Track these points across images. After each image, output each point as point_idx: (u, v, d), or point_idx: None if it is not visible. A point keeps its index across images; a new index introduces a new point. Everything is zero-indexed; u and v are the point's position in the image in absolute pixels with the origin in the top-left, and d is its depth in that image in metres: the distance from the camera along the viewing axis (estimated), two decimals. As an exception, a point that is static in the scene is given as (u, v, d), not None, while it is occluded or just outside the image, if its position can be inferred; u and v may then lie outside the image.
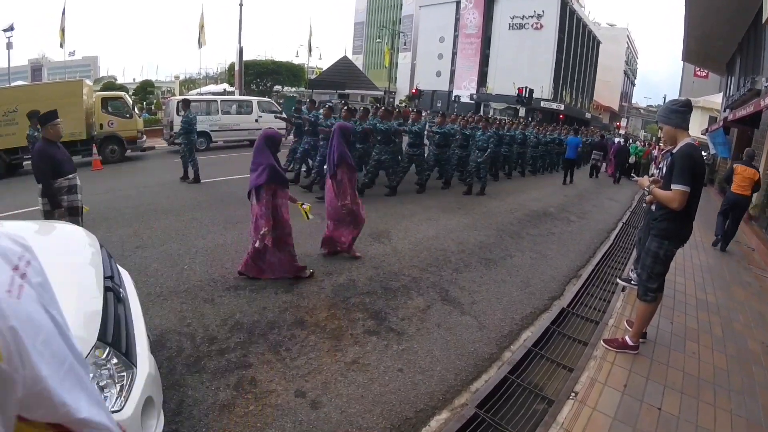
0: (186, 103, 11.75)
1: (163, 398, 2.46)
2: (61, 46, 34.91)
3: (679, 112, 3.62)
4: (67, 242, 2.88)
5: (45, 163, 5.05)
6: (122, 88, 46.49)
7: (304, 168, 11.00)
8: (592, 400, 3.29)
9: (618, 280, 5.82)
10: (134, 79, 78.97)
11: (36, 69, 54.40)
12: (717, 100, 23.63)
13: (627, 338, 4.04)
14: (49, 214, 5.11)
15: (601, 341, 4.14)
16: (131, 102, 16.90)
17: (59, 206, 5.19)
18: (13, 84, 19.65)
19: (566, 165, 15.86)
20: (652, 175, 5.61)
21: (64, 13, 33.73)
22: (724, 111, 19.51)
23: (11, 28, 34.08)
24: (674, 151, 3.65)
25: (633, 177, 5.32)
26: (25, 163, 13.86)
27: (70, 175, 5.30)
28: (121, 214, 7.00)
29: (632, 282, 5.39)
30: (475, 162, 11.30)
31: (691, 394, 3.48)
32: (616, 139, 23.35)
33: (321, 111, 10.20)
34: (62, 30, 33.82)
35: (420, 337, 4.15)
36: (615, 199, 13.23)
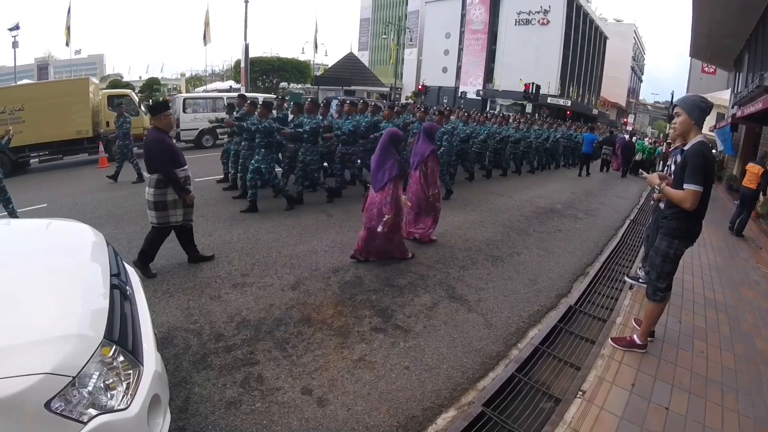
0: (121, 105, 11.28)
1: (170, 395, 2.46)
2: (67, 44, 35.01)
3: (703, 110, 3.54)
4: (74, 240, 2.89)
5: (165, 152, 4.98)
6: (128, 85, 46.88)
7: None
8: (600, 399, 3.27)
9: (626, 278, 5.77)
10: (140, 77, 79.25)
11: (42, 67, 54.79)
12: (725, 96, 23.45)
13: (635, 337, 4.01)
14: (162, 205, 5.01)
15: (609, 340, 4.11)
16: (137, 99, 16.97)
17: (187, 192, 5.12)
18: (19, 83, 19.77)
19: (583, 159, 17.39)
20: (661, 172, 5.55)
21: (69, 11, 33.82)
22: (732, 107, 19.35)
23: (17, 27, 34.27)
24: (686, 147, 3.58)
25: (641, 173, 5.26)
26: (32, 161, 13.95)
27: (186, 167, 5.25)
28: (127, 211, 7.02)
29: (640, 280, 5.35)
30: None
31: (699, 394, 3.46)
32: (624, 136, 23.47)
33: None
34: (68, 28, 33.91)
35: (427, 335, 4.14)
36: (622, 196, 13.16)
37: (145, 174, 5.12)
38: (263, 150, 7.66)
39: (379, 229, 5.44)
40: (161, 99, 5.09)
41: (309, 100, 9.09)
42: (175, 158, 5.08)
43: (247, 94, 19.25)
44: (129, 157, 10.89)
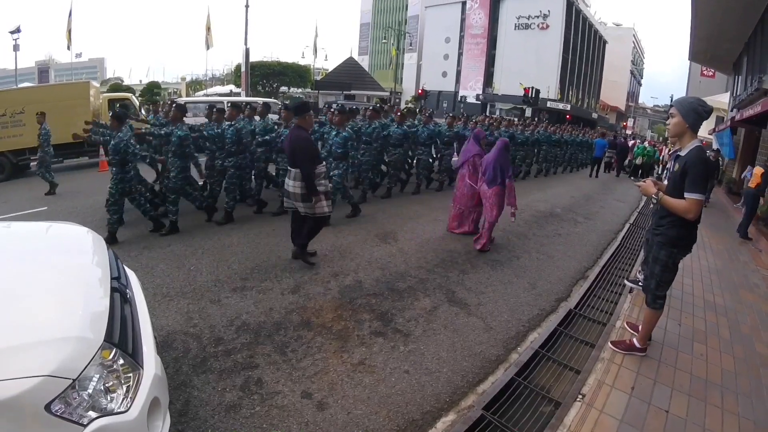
0: (42, 115, 10.50)
1: (170, 398, 2.46)
2: (68, 48, 35.09)
3: (699, 114, 3.40)
4: (74, 243, 2.89)
5: (308, 150, 5.22)
6: (129, 89, 46.88)
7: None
8: (600, 403, 3.27)
9: (625, 282, 5.78)
10: (141, 81, 79.44)
11: (43, 70, 54.81)
12: (724, 99, 23.43)
13: (634, 340, 4.01)
14: (307, 197, 5.21)
15: (609, 343, 4.11)
16: (138, 103, 16.99)
17: (316, 192, 5.23)
18: (20, 85, 19.81)
19: (593, 162, 19.30)
20: (659, 176, 5.53)
21: (70, 14, 33.91)
22: (731, 111, 19.37)
23: (18, 30, 34.29)
24: (682, 153, 3.47)
25: (635, 181, 5.25)
26: (32, 164, 13.95)
27: (324, 163, 5.53)
28: (127, 214, 7.01)
29: (639, 283, 5.35)
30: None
31: (699, 397, 3.46)
32: (622, 140, 23.96)
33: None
34: (69, 32, 33.98)
35: (426, 339, 4.15)
36: (622, 200, 13.15)
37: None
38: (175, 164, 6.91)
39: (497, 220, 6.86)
40: (301, 100, 5.18)
41: (230, 105, 8.45)
42: (316, 156, 5.39)
43: (247, 99, 19.27)
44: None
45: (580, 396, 3.36)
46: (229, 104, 8.65)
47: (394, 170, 10.27)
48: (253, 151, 8.15)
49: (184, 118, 7.24)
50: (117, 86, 55.43)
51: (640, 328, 4.10)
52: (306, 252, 5.71)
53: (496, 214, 6.71)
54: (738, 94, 18.86)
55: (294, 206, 5.40)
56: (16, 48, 34.73)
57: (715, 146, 16.15)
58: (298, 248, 5.62)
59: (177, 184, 6.86)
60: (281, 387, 3.32)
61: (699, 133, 3.62)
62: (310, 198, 5.18)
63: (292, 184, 5.28)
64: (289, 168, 5.40)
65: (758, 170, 9.99)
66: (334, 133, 7.81)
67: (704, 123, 3.74)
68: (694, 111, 3.40)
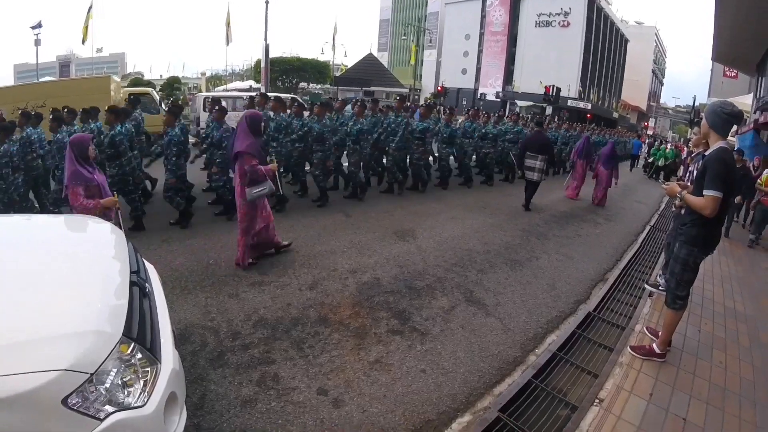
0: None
1: (186, 392, 2.48)
2: (83, 42, 35.01)
3: (720, 117, 3.47)
4: (93, 237, 2.93)
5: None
6: (149, 84, 47.34)
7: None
8: (617, 408, 3.23)
9: (646, 286, 5.70)
10: (161, 76, 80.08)
11: (64, 65, 55.59)
12: (747, 101, 22.94)
13: (654, 346, 3.95)
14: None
15: (628, 348, 4.06)
16: (158, 98, 17.16)
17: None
18: (41, 80, 20.13)
19: (632, 159, 24.94)
20: (681, 179, 5.46)
21: (90, 9, 34.13)
22: (755, 113, 18.95)
23: (39, 26, 34.75)
24: (706, 153, 3.54)
25: (662, 182, 5.20)
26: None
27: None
28: (147, 208, 7.10)
29: (660, 287, 5.28)
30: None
31: (717, 405, 3.40)
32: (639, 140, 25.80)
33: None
34: (86, 27, 34.12)
35: (444, 338, 4.13)
36: (643, 202, 12.98)
37: None
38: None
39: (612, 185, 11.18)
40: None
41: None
42: None
43: (269, 94, 19.30)
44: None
45: (598, 401, 3.32)
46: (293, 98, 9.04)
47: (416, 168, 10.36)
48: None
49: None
50: (137, 81, 56.04)
51: (660, 333, 4.04)
52: None
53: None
54: (761, 95, 18.44)
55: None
56: (37, 43, 35.20)
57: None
58: None
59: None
60: (297, 383, 3.34)
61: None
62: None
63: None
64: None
65: None
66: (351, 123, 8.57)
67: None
68: (713, 113, 3.52)
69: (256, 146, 5.18)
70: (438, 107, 15.96)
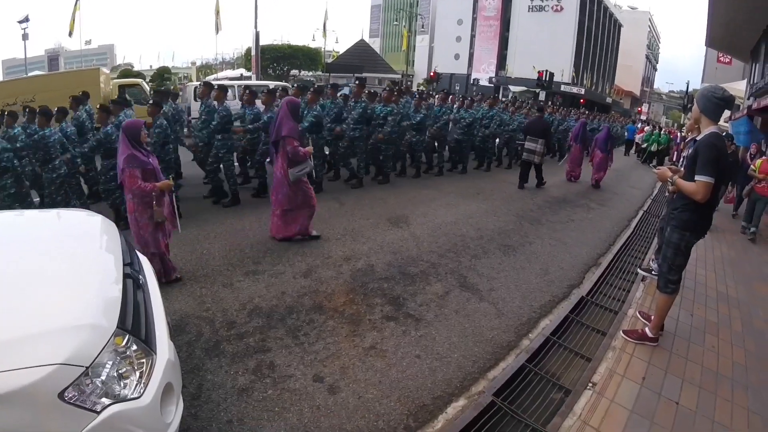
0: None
1: (182, 383, 2.48)
2: (70, 35, 34.59)
3: (711, 101, 3.47)
4: (86, 230, 2.91)
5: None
6: (139, 75, 46.90)
7: None
8: (610, 392, 3.26)
9: (638, 270, 5.74)
10: (151, 66, 79.36)
11: (53, 58, 55.03)
12: (741, 87, 22.92)
13: (647, 330, 3.98)
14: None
15: (621, 332, 4.09)
16: (148, 89, 17.02)
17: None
18: (30, 74, 19.91)
19: (626, 144, 24.58)
20: (674, 163, 5.48)
21: (77, 2, 33.60)
22: (748, 99, 18.97)
23: (26, 20, 34.18)
24: (698, 138, 3.55)
25: (653, 166, 5.21)
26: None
27: None
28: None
29: (653, 272, 5.31)
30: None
31: (709, 389, 3.43)
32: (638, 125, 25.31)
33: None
34: (73, 19, 33.69)
35: (438, 324, 4.15)
36: (636, 187, 13.03)
37: None
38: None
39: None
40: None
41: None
42: None
43: (259, 82, 19.13)
44: None
45: (591, 384, 3.35)
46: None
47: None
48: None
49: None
50: (127, 72, 55.45)
51: (652, 317, 4.08)
52: None
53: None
54: (755, 82, 18.44)
55: None
56: (25, 37, 34.62)
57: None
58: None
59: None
60: (293, 371, 3.35)
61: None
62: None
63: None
64: None
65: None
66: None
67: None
68: (704, 97, 3.52)
69: (297, 130, 5.61)
70: (453, 94, 15.04)
